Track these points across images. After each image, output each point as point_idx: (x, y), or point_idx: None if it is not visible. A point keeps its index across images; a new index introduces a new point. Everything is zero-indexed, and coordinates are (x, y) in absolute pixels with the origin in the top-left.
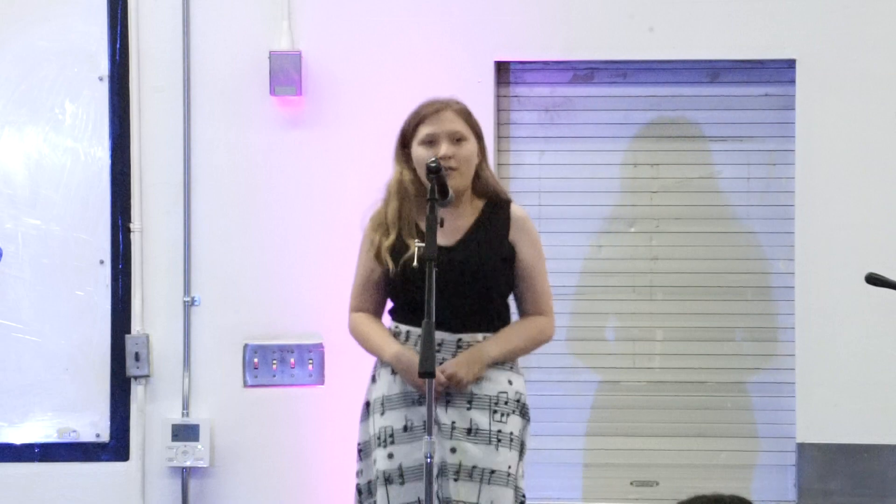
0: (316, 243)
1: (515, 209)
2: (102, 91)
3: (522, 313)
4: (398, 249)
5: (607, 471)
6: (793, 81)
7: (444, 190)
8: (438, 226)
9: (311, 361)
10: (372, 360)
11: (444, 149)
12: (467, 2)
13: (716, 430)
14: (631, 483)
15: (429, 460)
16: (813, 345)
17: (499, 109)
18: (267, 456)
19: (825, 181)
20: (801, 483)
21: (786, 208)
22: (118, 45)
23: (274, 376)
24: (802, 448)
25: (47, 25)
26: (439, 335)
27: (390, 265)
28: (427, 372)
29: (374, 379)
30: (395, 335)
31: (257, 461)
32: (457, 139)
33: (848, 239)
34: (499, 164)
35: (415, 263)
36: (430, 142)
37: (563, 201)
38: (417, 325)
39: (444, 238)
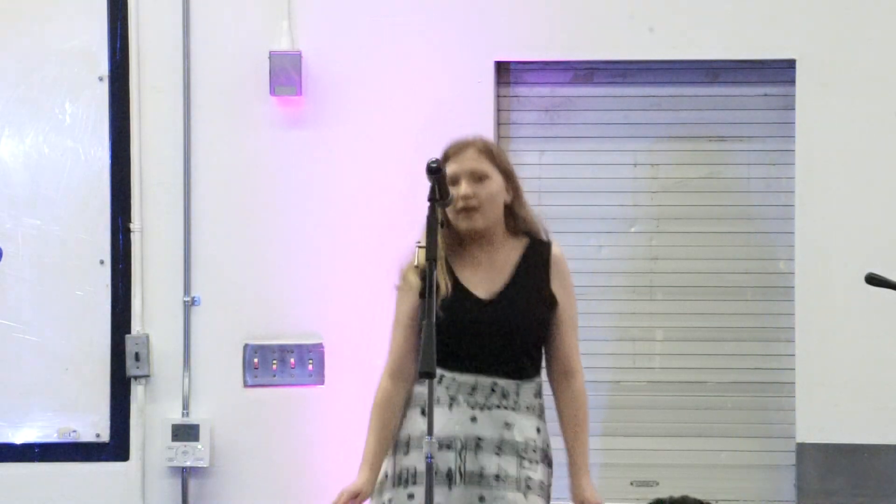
0: (316, 243)
1: (556, 252)
2: (102, 91)
3: (550, 364)
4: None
5: (607, 471)
6: (793, 81)
7: (444, 190)
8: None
9: (311, 361)
10: (370, 362)
11: (463, 188)
12: (467, 2)
13: (716, 430)
14: (631, 483)
15: (429, 460)
16: (813, 345)
17: (499, 109)
18: (267, 456)
19: (825, 181)
20: (801, 483)
21: (786, 208)
22: (118, 45)
23: (274, 376)
24: (802, 448)
25: (47, 25)
26: (474, 378)
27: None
28: (427, 372)
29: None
30: None
31: (257, 461)
32: (478, 178)
33: (848, 239)
34: None
35: (415, 264)
36: (453, 181)
37: (563, 201)
38: (455, 370)
39: (483, 289)
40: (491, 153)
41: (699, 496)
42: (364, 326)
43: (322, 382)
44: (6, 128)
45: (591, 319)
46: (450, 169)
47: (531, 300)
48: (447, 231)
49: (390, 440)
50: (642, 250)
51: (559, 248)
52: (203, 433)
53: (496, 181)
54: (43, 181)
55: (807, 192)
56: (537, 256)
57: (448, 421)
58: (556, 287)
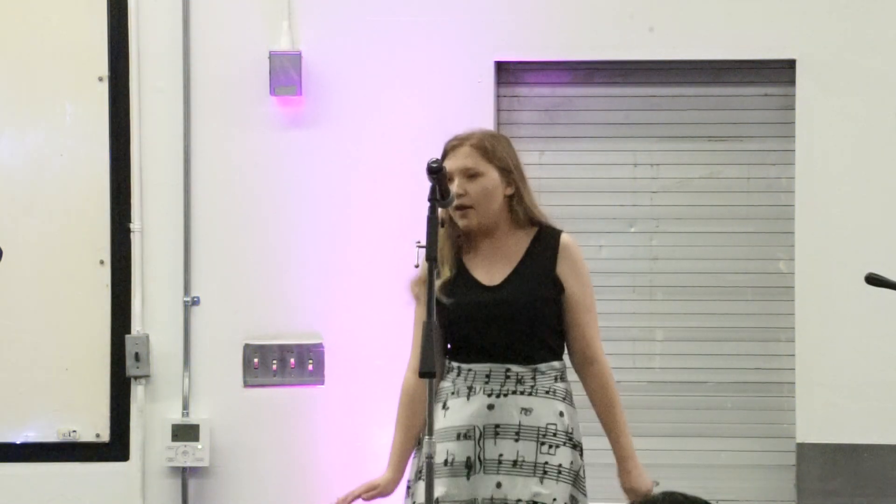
0: (316, 243)
1: (565, 238)
2: (102, 91)
3: (572, 353)
4: (449, 286)
5: (607, 471)
6: (793, 81)
7: (444, 190)
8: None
9: (310, 361)
10: (370, 362)
11: (456, 186)
12: (467, 2)
13: (716, 430)
14: None
15: (429, 460)
16: (813, 345)
17: (499, 109)
18: (267, 456)
19: (825, 181)
20: (801, 483)
21: (786, 208)
22: (118, 45)
23: (274, 376)
24: (802, 448)
25: (47, 25)
26: (488, 366)
27: (444, 300)
28: (427, 372)
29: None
30: (449, 370)
31: (257, 461)
32: (470, 175)
33: (848, 239)
34: None
35: (416, 264)
36: (449, 179)
37: (563, 201)
38: (470, 361)
39: (489, 277)
40: (485, 149)
41: (699, 496)
42: (364, 326)
43: (322, 382)
44: (6, 128)
45: None
46: (447, 166)
47: (535, 283)
48: (453, 225)
49: (416, 436)
50: (642, 250)
51: (570, 237)
52: (203, 433)
53: (490, 178)
54: (43, 181)
55: (807, 192)
56: (545, 243)
57: (466, 411)
58: (564, 272)
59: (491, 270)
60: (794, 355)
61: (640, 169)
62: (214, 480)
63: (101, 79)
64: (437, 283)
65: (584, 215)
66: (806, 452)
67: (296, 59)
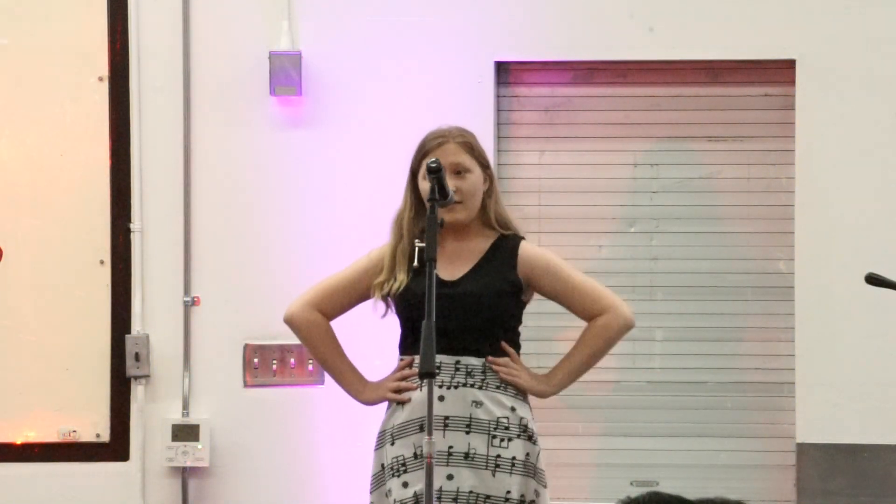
0: (316, 243)
1: (525, 245)
2: (102, 91)
3: (587, 318)
4: (389, 285)
5: (607, 471)
6: (793, 81)
7: (443, 190)
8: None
9: (311, 361)
10: (369, 362)
11: (449, 183)
12: (467, 2)
13: (716, 430)
14: (631, 483)
15: (430, 460)
16: (813, 345)
17: (499, 109)
18: (267, 456)
19: (825, 181)
20: (801, 483)
21: (786, 208)
22: (118, 45)
23: (274, 376)
24: (802, 448)
25: (47, 25)
26: (438, 357)
27: (378, 299)
28: (427, 372)
29: (388, 405)
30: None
31: (257, 461)
32: (457, 171)
33: (848, 239)
34: (499, 165)
35: (415, 263)
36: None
37: (563, 201)
38: (418, 351)
39: (448, 272)
40: (470, 146)
41: (699, 496)
42: (364, 326)
43: (322, 382)
44: (6, 128)
45: None
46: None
47: (492, 280)
48: (416, 227)
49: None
50: (642, 250)
51: (529, 244)
52: (203, 433)
53: (476, 174)
54: (43, 181)
55: (807, 192)
56: (505, 246)
57: (418, 402)
58: (526, 273)
59: (452, 267)
60: (794, 355)
61: (640, 169)
62: (214, 480)
63: (101, 79)
64: (377, 280)
65: (584, 215)
66: (806, 452)
67: (296, 59)
